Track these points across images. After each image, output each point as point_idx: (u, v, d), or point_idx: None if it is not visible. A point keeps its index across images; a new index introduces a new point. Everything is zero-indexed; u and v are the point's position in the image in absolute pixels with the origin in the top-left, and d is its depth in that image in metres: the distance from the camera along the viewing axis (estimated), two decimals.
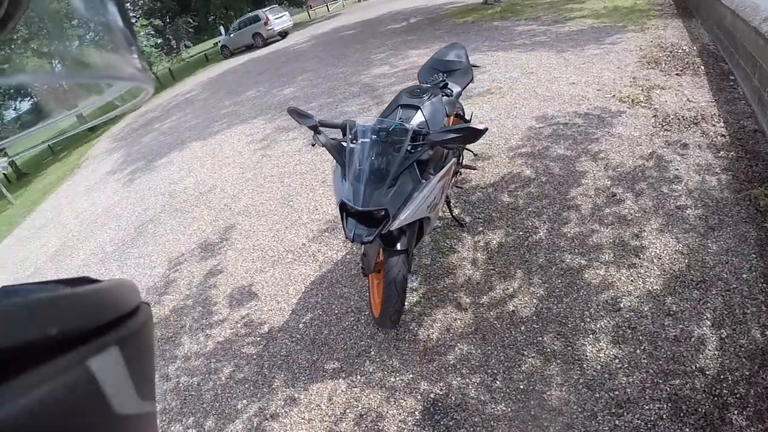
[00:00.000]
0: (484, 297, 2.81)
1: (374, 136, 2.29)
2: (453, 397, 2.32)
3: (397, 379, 2.53)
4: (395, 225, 2.19)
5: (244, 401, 2.76)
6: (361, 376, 2.63)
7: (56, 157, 16.39)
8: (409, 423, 2.29)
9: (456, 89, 3.33)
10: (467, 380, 2.39)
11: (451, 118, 3.16)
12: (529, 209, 3.40)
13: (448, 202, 3.29)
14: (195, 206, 5.75)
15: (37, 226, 8.65)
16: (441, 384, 2.41)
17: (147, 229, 5.68)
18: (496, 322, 2.62)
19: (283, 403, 2.64)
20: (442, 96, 3.07)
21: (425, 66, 3.67)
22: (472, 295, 2.85)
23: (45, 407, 0.25)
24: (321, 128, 2.40)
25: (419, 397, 2.39)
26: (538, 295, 2.70)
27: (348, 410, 2.47)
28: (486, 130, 2.04)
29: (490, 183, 3.87)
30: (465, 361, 2.49)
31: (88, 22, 0.36)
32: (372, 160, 2.23)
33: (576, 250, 2.90)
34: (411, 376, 2.53)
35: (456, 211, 3.60)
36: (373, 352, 2.74)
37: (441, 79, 3.34)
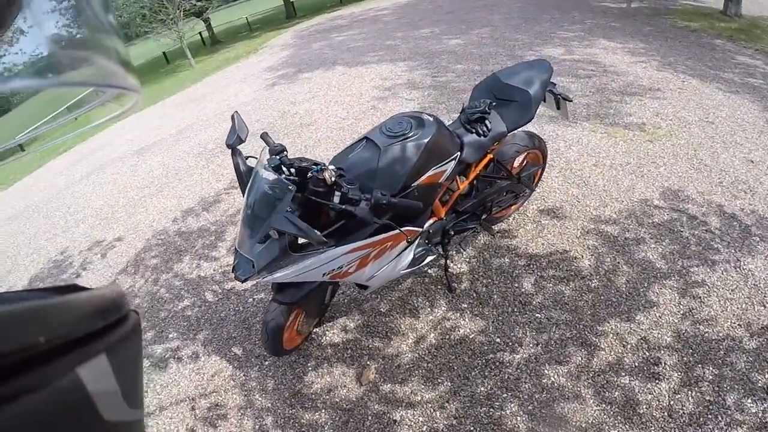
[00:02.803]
0: (391, 387, 2.70)
1: (265, 177, 2.14)
2: None
3: (257, 396, 2.85)
4: (264, 280, 2.23)
5: None
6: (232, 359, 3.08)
7: (250, 34, 18.41)
8: None
9: (497, 128, 2.77)
10: None
11: (478, 166, 2.85)
12: (541, 317, 2.85)
13: (445, 257, 3.06)
14: (285, 136, 6.30)
15: (190, 98, 10.67)
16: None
17: (245, 145, 6.48)
18: (374, 422, 2.56)
19: None
20: (456, 135, 2.68)
21: (484, 81, 3.10)
22: (383, 376, 2.77)
23: (34, 414, 0.27)
24: (239, 148, 2.36)
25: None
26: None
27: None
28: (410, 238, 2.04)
29: (528, 253, 3.32)
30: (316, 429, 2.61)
31: (75, 28, 0.39)
32: (254, 201, 2.13)
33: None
34: (269, 405, 2.79)
35: (458, 269, 3.32)
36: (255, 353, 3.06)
37: (483, 107, 2.71)
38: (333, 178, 2.06)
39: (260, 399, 2.83)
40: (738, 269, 2.95)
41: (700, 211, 3.45)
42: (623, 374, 2.45)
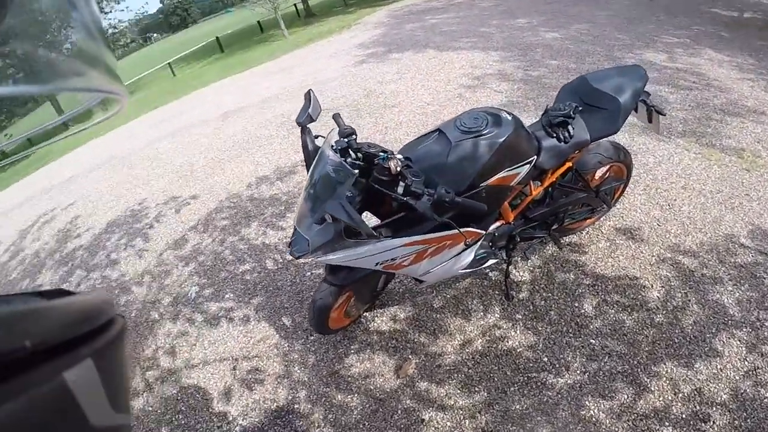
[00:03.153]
0: (427, 385, 2.63)
1: (329, 159, 2.13)
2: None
3: (296, 369, 2.92)
4: (317, 260, 2.28)
5: None
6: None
7: (345, 9, 18.54)
8: None
9: (579, 135, 2.58)
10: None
11: (554, 173, 2.69)
12: (595, 344, 2.65)
13: (508, 262, 2.95)
14: (368, 115, 6.32)
15: (279, 68, 11.08)
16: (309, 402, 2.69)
17: (328, 120, 6.58)
18: (402, 417, 2.52)
19: None
20: (535, 137, 2.53)
21: (572, 82, 2.91)
22: (422, 372, 2.71)
23: (20, 420, 0.27)
24: (309, 127, 2.35)
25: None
26: None
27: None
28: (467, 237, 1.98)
29: (596, 272, 3.08)
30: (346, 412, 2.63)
31: (63, 32, 0.40)
32: (316, 181, 2.14)
33: None
34: (306, 379, 2.84)
35: (519, 277, 3.15)
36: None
37: (568, 111, 2.53)
38: (398, 168, 2.01)
39: (299, 372, 2.89)
40: None
41: None
42: (667, 424, 2.25)
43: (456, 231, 2.17)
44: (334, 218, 2.01)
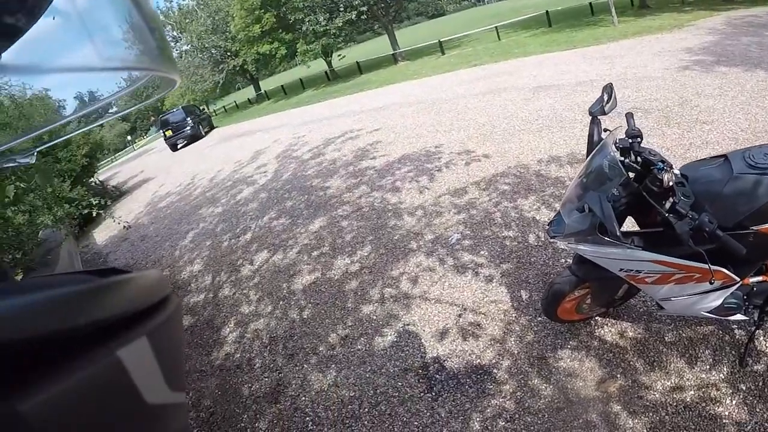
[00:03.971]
0: (618, 409, 2.54)
1: (608, 153, 2.12)
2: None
3: (511, 338, 3.08)
4: (569, 246, 2.32)
5: None
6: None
7: (681, 7, 16.76)
8: None
9: None
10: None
11: None
12: None
13: (757, 325, 2.59)
14: (676, 125, 5.91)
15: (603, 55, 10.91)
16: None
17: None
18: (580, 427, 2.49)
19: None
20: None
21: None
22: (620, 395, 2.61)
23: (76, 396, 0.28)
24: (600, 118, 2.38)
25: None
26: None
27: None
28: None
29: None
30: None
31: (114, 14, 0.42)
32: (589, 171, 2.17)
33: None
34: (515, 351, 2.99)
35: (764, 346, 2.74)
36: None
37: None
38: (671, 183, 1.96)
39: (512, 342, 3.03)
40: None
41: None
42: None
43: (706, 266, 2.00)
44: (591, 209, 2.08)
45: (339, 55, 28.72)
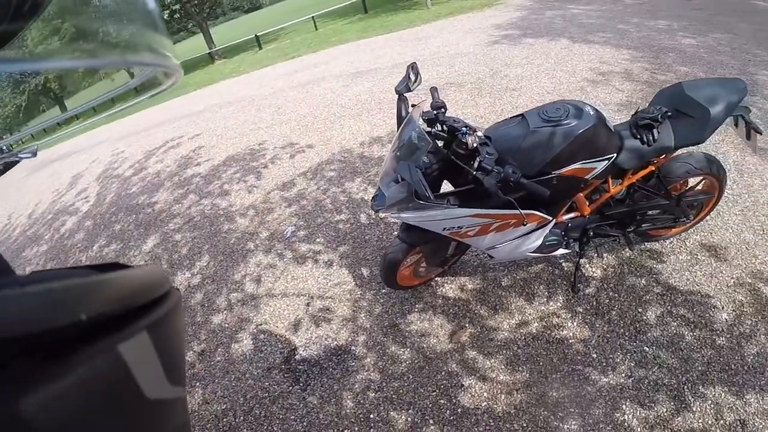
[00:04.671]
0: (475, 355, 2.77)
1: (415, 126, 2.27)
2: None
3: (362, 315, 3.16)
4: (392, 216, 2.42)
5: None
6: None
7: None
8: None
9: (663, 141, 2.54)
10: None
11: (635, 174, 2.68)
12: (648, 352, 2.61)
13: (580, 255, 2.97)
14: (488, 95, 6.42)
15: (416, 37, 11.62)
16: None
17: (448, 93, 6.70)
18: (444, 378, 2.69)
19: None
20: (619, 136, 2.54)
21: (669, 88, 2.83)
22: (473, 342, 2.84)
23: (76, 391, 0.28)
24: (406, 95, 2.50)
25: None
26: None
27: None
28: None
29: (668, 283, 2.99)
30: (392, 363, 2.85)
31: (117, 7, 0.42)
32: (400, 144, 2.31)
33: None
34: (368, 326, 3.09)
35: (590, 272, 3.15)
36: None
37: (656, 115, 2.50)
38: (475, 144, 2.15)
39: (363, 318, 3.13)
40: None
41: None
42: None
43: (518, 211, 2.23)
44: (404, 179, 2.18)
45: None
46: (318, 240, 4.02)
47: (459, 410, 2.50)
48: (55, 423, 0.27)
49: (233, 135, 7.36)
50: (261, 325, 3.32)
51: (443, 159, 2.30)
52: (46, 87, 30.39)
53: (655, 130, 2.50)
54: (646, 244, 3.28)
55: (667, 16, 9.76)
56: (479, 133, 2.25)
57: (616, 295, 2.98)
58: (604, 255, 3.27)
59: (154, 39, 0.41)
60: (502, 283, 3.18)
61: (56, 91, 32.51)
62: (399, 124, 2.46)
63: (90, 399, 0.30)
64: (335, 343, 3.03)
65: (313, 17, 22.56)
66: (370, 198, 2.63)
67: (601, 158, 2.40)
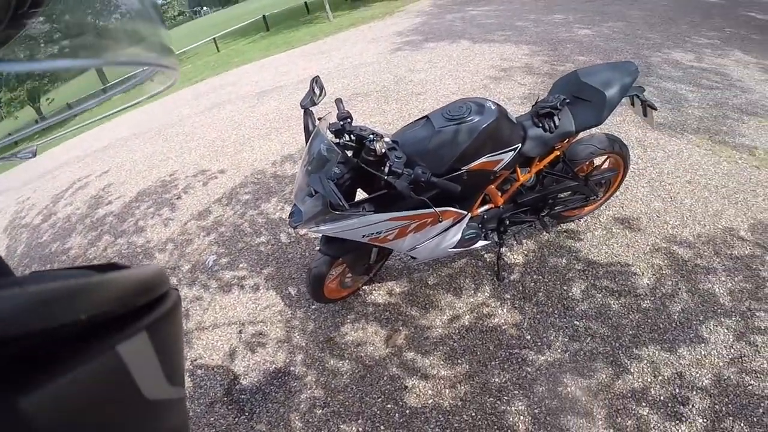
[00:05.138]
0: (413, 355, 2.83)
1: (323, 138, 2.31)
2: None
3: (296, 334, 3.15)
4: (311, 230, 2.44)
5: None
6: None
7: None
8: None
9: (564, 126, 2.71)
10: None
11: (542, 161, 2.84)
12: (579, 326, 2.78)
13: (499, 245, 3.13)
14: (394, 101, 6.52)
15: (319, 50, 11.68)
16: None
17: (355, 104, 6.72)
18: (387, 383, 2.73)
19: None
20: (522, 126, 2.67)
21: (565, 77, 3.01)
22: (410, 343, 2.90)
23: (75, 391, 0.28)
24: (311, 109, 2.50)
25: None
26: None
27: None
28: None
29: (588, 258, 3.21)
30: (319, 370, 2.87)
31: (117, 9, 0.40)
32: (311, 158, 2.32)
33: None
34: (304, 344, 3.08)
35: (513, 259, 3.32)
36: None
37: (555, 103, 2.67)
38: (383, 150, 2.20)
39: (298, 337, 3.12)
40: None
41: None
42: (644, 404, 2.34)
43: (432, 209, 2.33)
44: (317, 191, 2.20)
45: (47, 99, 25.79)
46: (241, 265, 3.96)
47: (407, 411, 2.55)
48: (55, 422, 0.27)
49: (143, 168, 7.12)
50: (196, 360, 3.22)
51: (354, 168, 2.33)
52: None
53: (555, 118, 2.66)
54: (562, 225, 3.46)
55: (563, 10, 10.29)
56: (386, 139, 2.32)
57: (541, 277, 3.13)
58: (524, 241, 3.41)
59: (159, 37, 0.41)
60: (429, 281, 3.26)
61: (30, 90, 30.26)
62: (307, 138, 2.47)
63: (89, 399, 0.30)
64: (274, 366, 2.99)
65: (214, 39, 22.15)
66: (288, 216, 2.64)
67: (506, 149, 2.52)
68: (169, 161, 7.04)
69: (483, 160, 2.44)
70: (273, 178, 5.37)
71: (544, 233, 3.43)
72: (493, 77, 6.70)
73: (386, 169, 2.14)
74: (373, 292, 3.28)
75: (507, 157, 2.55)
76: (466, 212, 2.65)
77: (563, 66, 6.60)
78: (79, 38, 0.44)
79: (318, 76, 2.61)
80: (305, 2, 22.58)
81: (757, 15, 8.64)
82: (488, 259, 3.35)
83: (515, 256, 3.33)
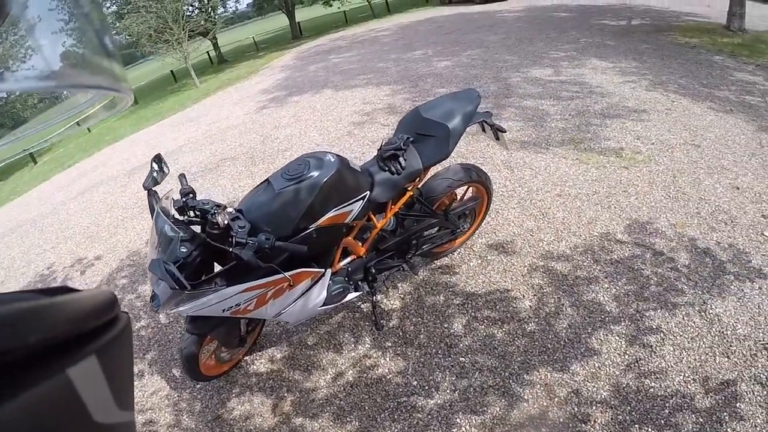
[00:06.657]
0: (302, 420, 2.78)
1: (164, 219, 2.26)
2: None
3: (185, 417, 3.03)
4: (171, 312, 2.36)
5: None
6: None
7: (256, 54, 18.88)
8: None
9: (412, 165, 2.72)
10: None
11: (396, 204, 2.85)
12: (465, 362, 2.78)
13: (372, 293, 3.09)
14: (261, 161, 6.63)
15: (188, 119, 11.55)
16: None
17: (224, 170, 6.80)
18: None
19: None
20: (368, 173, 2.70)
21: (408, 115, 3.02)
22: (296, 409, 2.83)
23: (24, 415, 0.28)
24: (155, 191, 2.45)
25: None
26: None
27: None
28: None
29: (466, 291, 3.24)
30: None
31: (67, 31, 0.39)
32: (156, 240, 2.26)
33: None
34: (194, 426, 2.98)
35: (390, 305, 3.31)
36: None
37: (398, 144, 2.69)
38: (225, 221, 2.18)
39: (187, 419, 3.01)
40: (702, 314, 2.70)
41: (669, 246, 3.21)
42: (544, 430, 2.31)
43: (281, 275, 2.30)
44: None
45: None
46: None
47: None
48: None
49: (20, 264, 6.66)
50: None
51: (202, 243, 2.29)
52: None
53: (401, 159, 2.68)
54: (436, 262, 3.48)
55: (422, 45, 10.81)
56: (230, 209, 2.29)
57: (420, 319, 3.14)
58: (399, 285, 3.42)
59: (109, 62, 0.40)
60: (309, 342, 3.24)
61: None
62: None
63: (38, 422, 0.29)
64: None
65: (77, 122, 21.24)
66: (149, 299, 2.59)
67: (354, 200, 2.52)
68: (46, 253, 6.64)
69: (331, 214, 2.44)
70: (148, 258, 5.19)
71: (420, 274, 3.45)
72: (356, 122, 6.92)
73: (232, 241, 2.11)
74: (255, 361, 3.23)
75: (356, 207, 2.55)
76: (323, 269, 2.62)
77: (424, 100, 6.92)
78: (27, 62, 0.43)
79: (159, 154, 2.57)
80: (171, 71, 22.22)
81: (609, 22, 9.51)
82: (365, 309, 3.32)
83: (392, 302, 3.33)
